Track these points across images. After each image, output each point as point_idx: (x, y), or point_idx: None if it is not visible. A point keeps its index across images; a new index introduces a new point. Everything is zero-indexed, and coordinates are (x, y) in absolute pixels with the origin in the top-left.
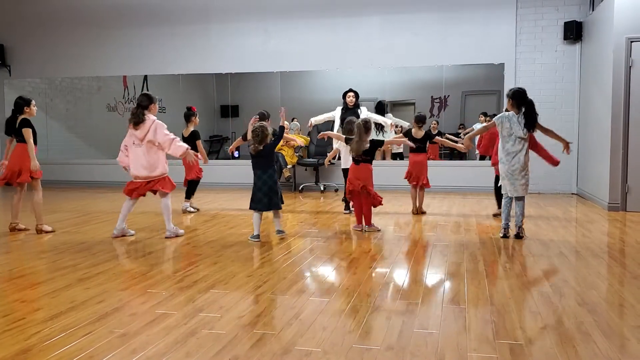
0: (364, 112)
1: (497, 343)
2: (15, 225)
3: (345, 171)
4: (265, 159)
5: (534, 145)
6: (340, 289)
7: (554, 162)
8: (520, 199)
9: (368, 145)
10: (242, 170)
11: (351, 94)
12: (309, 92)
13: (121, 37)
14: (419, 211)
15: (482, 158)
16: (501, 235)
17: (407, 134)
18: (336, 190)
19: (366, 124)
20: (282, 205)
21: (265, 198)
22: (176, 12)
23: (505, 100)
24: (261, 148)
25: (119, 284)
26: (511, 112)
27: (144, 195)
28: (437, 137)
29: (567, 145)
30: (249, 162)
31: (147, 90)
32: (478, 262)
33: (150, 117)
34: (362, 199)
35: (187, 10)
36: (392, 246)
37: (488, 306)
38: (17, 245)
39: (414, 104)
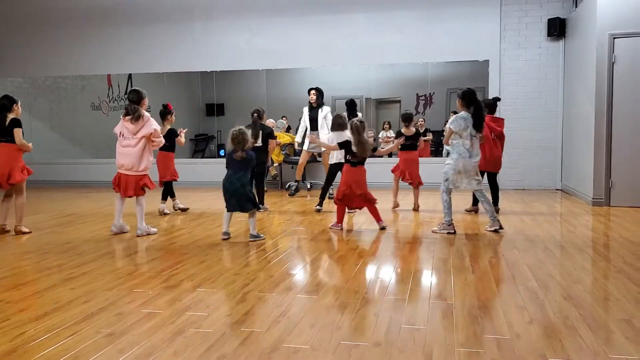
0: (325, 112)
1: (484, 338)
2: (4, 227)
3: (334, 166)
4: (240, 163)
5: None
6: (327, 286)
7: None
8: (482, 195)
9: (372, 143)
10: None
11: (312, 91)
12: (295, 90)
13: (105, 35)
14: (415, 207)
15: None
16: (451, 232)
17: (399, 134)
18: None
19: (362, 123)
20: (254, 208)
21: (233, 199)
22: (161, 10)
23: (457, 101)
24: (245, 155)
25: (104, 284)
26: (465, 112)
27: (132, 195)
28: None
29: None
30: None
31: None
32: (464, 257)
33: (146, 114)
34: (359, 202)
35: (172, 8)
36: (378, 243)
37: (475, 301)
38: (1, 246)
39: (399, 101)
